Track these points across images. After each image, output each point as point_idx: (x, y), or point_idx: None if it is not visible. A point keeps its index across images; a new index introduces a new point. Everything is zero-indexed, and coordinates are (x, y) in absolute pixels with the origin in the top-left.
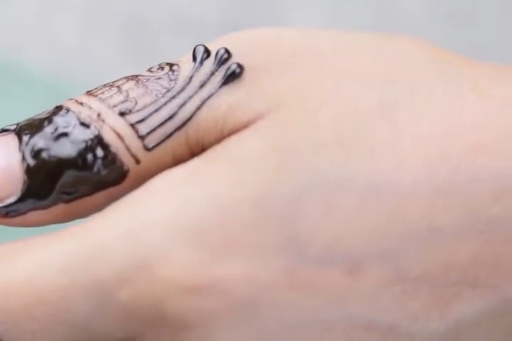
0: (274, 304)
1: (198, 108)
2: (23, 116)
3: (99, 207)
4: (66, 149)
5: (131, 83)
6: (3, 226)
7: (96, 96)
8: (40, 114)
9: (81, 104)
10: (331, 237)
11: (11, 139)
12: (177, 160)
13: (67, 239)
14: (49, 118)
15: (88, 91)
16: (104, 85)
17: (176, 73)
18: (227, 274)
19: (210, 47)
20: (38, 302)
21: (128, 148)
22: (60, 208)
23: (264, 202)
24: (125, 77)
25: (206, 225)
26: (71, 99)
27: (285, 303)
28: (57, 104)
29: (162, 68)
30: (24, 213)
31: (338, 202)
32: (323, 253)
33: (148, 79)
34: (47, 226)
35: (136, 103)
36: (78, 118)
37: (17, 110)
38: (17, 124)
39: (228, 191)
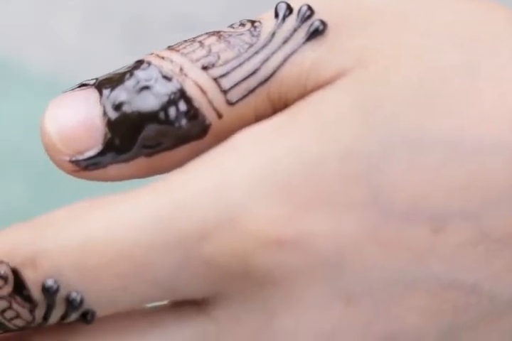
0: (360, 261)
1: (281, 64)
2: (23, 116)
3: (180, 163)
4: (148, 102)
5: (213, 38)
6: (84, 185)
7: (178, 50)
8: (119, 69)
9: (163, 58)
10: (413, 194)
11: (91, 93)
12: (259, 117)
13: (149, 195)
14: (130, 72)
15: (169, 47)
16: (185, 41)
17: (258, 29)
18: (313, 229)
19: (292, 5)
20: (120, 259)
21: (211, 102)
22: (141, 162)
23: (350, 158)
24: (206, 33)
25: (292, 180)
26: (152, 54)
27: (370, 261)
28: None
29: (243, 25)
30: (104, 166)
31: (420, 160)
32: (406, 210)
33: (230, 35)
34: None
35: (219, 57)
36: (160, 72)
37: (17, 110)
38: (96, 79)
39: (314, 146)
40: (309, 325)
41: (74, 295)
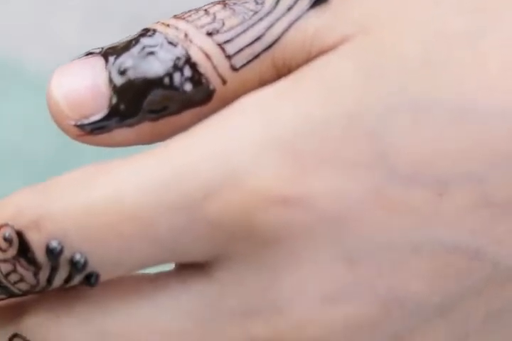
0: (363, 222)
1: (286, 30)
2: (23, 116)
3: (184, 128)
4: (153, 68)
5: (218, 6)
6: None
7: (183, 18)
8: (125, 38)
9: (168, 25)
10: (418, 157)
11: (98, 60)
12: (263, 82)
13: (153, 158)
14: (136, 39)
15: (175, 15)
16: (190, 10)
17: None
18: (317, 187)
19: None
20: (126, 219)
21: (215, 68)
22: (146, 127)
23: (355, 120)
24: (211, 2)
25: (297, 142)
26: (158, 22)
27: (374, 222)
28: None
29: None
30: (110, 131)
31: (425, 123)
32: (411, 172)
33: (235, 3)
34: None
35: (224, 24)
36: (166, 38)
37: (17, 110)
38: (102, 48)
39: (318, 110)
40: (312, 285)
41: (78, 256)
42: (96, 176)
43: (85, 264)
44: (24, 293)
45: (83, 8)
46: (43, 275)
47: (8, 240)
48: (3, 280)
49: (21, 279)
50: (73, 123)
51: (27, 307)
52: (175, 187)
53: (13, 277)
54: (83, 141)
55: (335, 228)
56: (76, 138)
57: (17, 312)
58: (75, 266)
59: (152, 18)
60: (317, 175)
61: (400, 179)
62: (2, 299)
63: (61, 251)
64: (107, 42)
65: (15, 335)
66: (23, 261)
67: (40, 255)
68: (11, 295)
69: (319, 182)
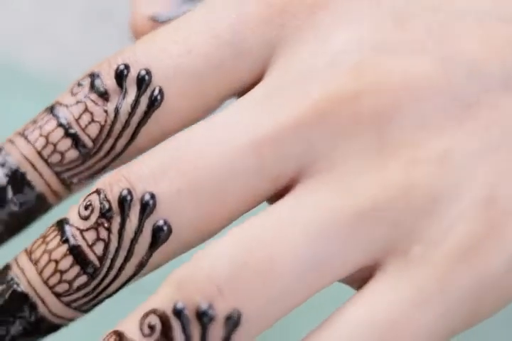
0: None
1: None
2: (22, 116)
3: None
4: None
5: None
6: None
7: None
8: None
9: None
10: None
11: None
12: None
13: None
14: None
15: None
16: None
17: None
18: None
19: None
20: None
21: None
22: None
23: None
24: None
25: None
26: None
27: None
28: None
29: None
30: None
31: None
32: None
33: None
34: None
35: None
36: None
37: (17, 110)
38: None
39: None
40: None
41: (143, 72)
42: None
43: (150, 77)
44: (95, 139)
45: (83, 8)
46: (111, 105)
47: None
48: None
49: (92, 120)
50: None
51: None
52: None
53: (85, 118)
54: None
55: None
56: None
57: None
58: (140, 82)
59: None
60: None
61: None
62: None
63: (128, 71)
64: (107, 42)
65: None
66: (94, 95)
67: (109, 82)
68: (77, 139)
69: None
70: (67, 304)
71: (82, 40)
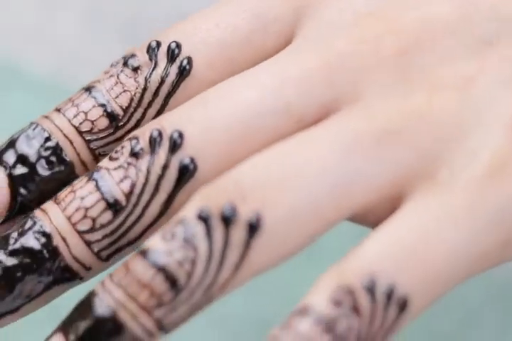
0: None
1: None
2: (22, 116)
3: None
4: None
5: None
6: None
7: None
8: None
9: None
10: None
11: None
12: None
13: None
14: None
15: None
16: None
17: None
18: None
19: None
20: None
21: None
22: None
23: None
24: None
25: None
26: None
27: None
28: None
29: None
30: None
31: None
32: None
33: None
34: None
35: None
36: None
37: (17, 110)
38: None
39: None
40: None
41: (173, 45)
42: None
43: (179, 48)
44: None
45: (83, 9)
46: (141, 77)
47: None
48: None
49: (123, 90)
50: None
51: None
52: None
53: (116, 90)
54: None
55: None
56: None
57: None
58: (171, 54)
59: (151, 19)
60: None
61: None
62: None
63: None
64: (107, 43)
65: None
66: (126, 69)
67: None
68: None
69: None
70: (88, 244)
71: (82, 40)
